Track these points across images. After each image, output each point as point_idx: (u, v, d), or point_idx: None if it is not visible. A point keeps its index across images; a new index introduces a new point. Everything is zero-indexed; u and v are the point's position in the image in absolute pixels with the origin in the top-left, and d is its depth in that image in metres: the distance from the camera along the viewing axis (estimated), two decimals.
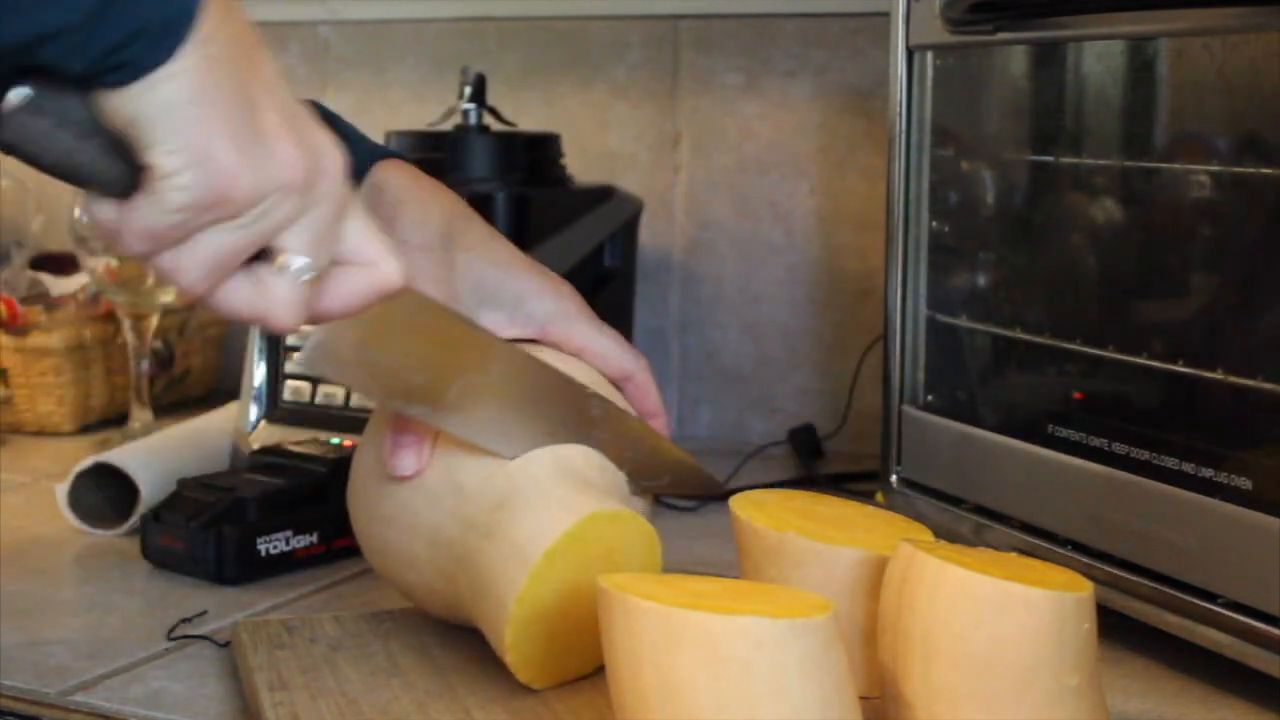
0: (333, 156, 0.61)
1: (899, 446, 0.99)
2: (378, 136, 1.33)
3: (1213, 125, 0.80)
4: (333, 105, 1.63)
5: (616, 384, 0.82)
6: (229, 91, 0.57)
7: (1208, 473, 0.77)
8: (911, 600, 0.66)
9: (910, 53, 0.97)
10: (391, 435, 0.77)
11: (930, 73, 0.97)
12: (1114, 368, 0.84)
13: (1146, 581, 0.79)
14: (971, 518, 0.92)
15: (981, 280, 0.97)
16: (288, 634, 0.81)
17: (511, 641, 0.72)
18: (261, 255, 0.60)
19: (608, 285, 1.33)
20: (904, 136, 0.97)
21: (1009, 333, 0.93)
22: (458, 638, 0.81)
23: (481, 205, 1.22)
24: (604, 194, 1.34)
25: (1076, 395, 0.88)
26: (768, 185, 1.40)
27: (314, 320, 0.64)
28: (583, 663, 0.75)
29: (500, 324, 0.80)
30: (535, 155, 1.30)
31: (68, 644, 0.85)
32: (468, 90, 1.30)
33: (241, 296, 0.60)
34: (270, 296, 0.60)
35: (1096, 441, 0.84)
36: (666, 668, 0.60)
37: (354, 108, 1.58)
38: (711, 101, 1.41)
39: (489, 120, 1.31)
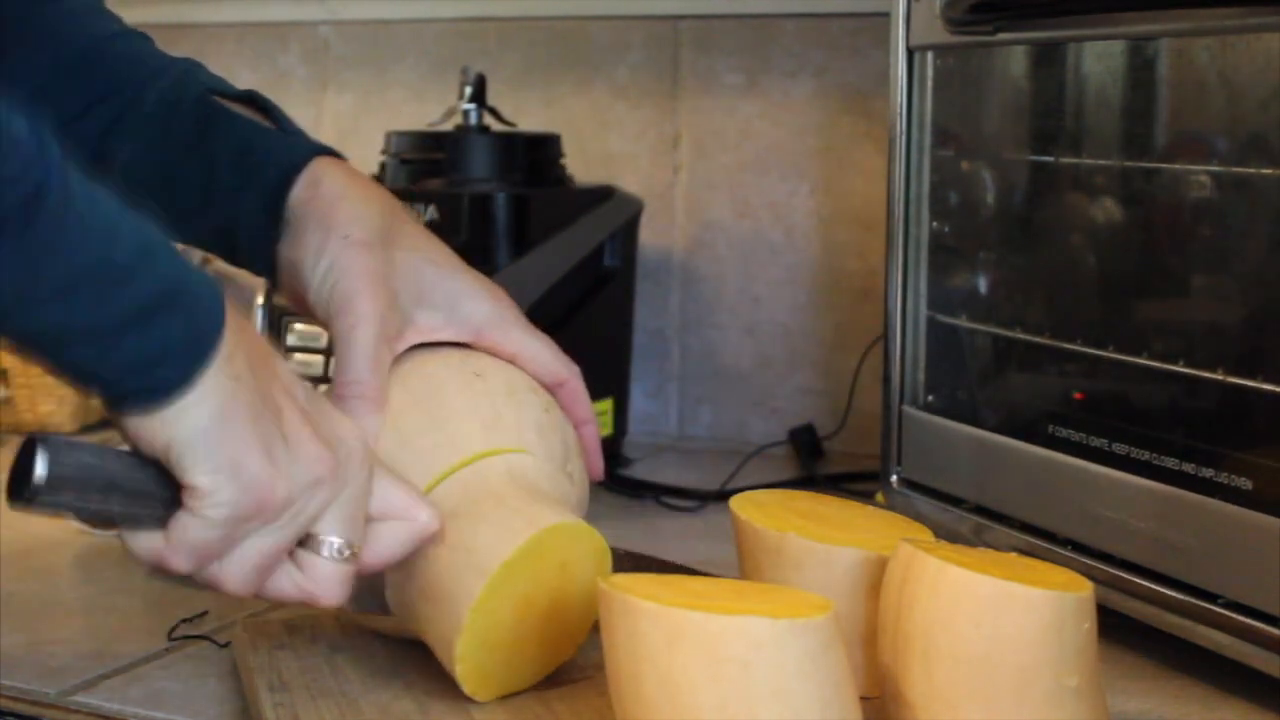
0: (354, 441, 0.65)
1: (899, 446, 0.99)
2: (378, 137, 1.33)
3: (1213, 125, 0.80)
4: (333, 105, 1.64)
5: (550, 390, 0.81)
6: (254, 406, 0.60)
7: (1208, 473, 0.77)
8: (912, 600, 0.66)
9: (910, 53, 0.97)
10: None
11: (930, 73, 0.97)
12: (1114, 368, 0.84)
13: (1146, 581, 0.79)
14: (971, 518, 0.92)
15: (982, 280, 0.97)
16: (288, 634, 0.81)
17: (462, 652, 0.70)
18: (301, 541, 0.64)
19: (608, 285, 1.33)
20: (904, 137, 0.97)
21: (1009, 333, 0.93)
22: None
23: (481, 205, 1.22)
24: (604, 194, 1.34)
25: (1076, 395, 0.88)
26: (768, 185, 1.40)
27: (359, 575, 0.67)
28: (530, 675, 0.74)
29: (436, 325, 0.78)
30: (535, 155, 1.30)
31: (68, 644, 0.85)
32: (468, 90, 1.30)
33: (289, 584, 0.64)
34: (316, 578, 0.64)
35: (1096, 441, 0.84)
36: (666, 667, 0.60)
37: (354, 108, 1.59)
38: (711, 101, 1.41)
39: (489, 120, 1.31)
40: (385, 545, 0.67)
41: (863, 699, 0.73)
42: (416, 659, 0.78)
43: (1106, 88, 0.86)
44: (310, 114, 1.61)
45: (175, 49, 1.79)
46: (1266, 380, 0.74)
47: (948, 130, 0.97)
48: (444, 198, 1.24)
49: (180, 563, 0.62)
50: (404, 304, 0.78)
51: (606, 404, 1.27)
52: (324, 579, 0.64)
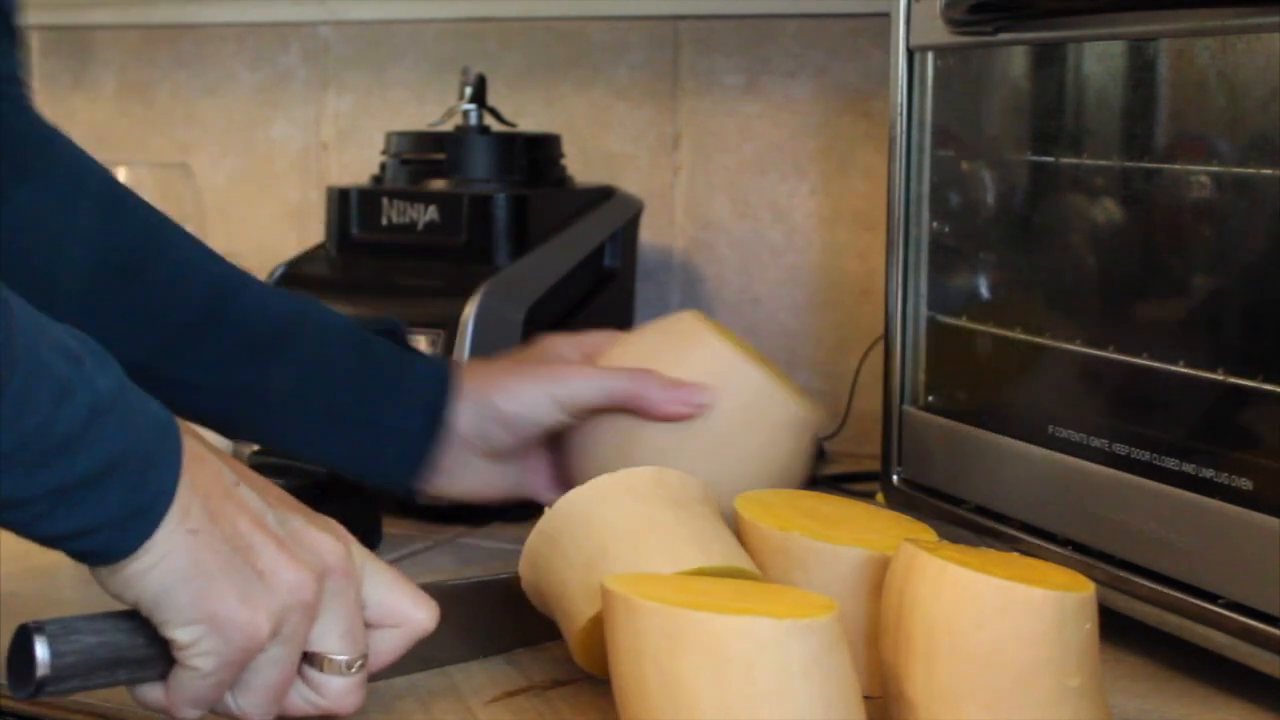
0: (332, 556, 0.63)
1: (899, 446, 0.99)
2: (378, 137, 1.33)
3: (1213, 126, 0.80)
4: (332, 105, 1.64)
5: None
6: (220, 551, 0.59)
7: (1208, 473, 0.77)
8: (913, 600, 0.66)
9: (911, 53, 0.97)
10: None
11: (931, 73, 0.97)
12: (1114, 368, 0.84)
13: (1146, 581, 0.79)
14: (971, 518, 0.92)
15: (982, 280, 0.97)
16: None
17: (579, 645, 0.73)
18: (306, 658, 0.64)
19: (608, 285, 1.33)
20: (904, 137, 0.98)
21: (1009, 333, 0.93)
22: None
23: (481, 205, 1.22)
24: (604, 194, 1.34)
25: (1076, 395, 0.88)
26: (768, 185, 1.40)
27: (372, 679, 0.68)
28: None
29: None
30: (535, 155, 1.30)
31: None
32: (468, 91, 1.30)
33: (303, 703, 0.65)
34: (329, 695, 0.64)
35: (1096, 441, 0.84)
36: (670, 668, 0.60)
37: (354, 108, 1.59)
38: (712, 102, 1.41)
39: (489, 121, 1.31)
40: (385, 650, 0.67)
41: (865, 699, 0.73)
42: (418, 658, 0.78)
43: (1107, 88, 0.86)
44: (310, 114, 1.61)
45: (175, 49, 1.80)
46: (1266, 380, 0.74)
47: (948, 130, 0.97)
48: (444, 198, 1.24)
49: (187, 713, 0.62)
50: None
51: None
52: (336, 695, 0.64)
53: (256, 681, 0.61)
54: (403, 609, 0.67)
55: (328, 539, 0.63)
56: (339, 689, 0.64)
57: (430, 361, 0.93)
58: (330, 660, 0.64)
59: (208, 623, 0.59)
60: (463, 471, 0.90)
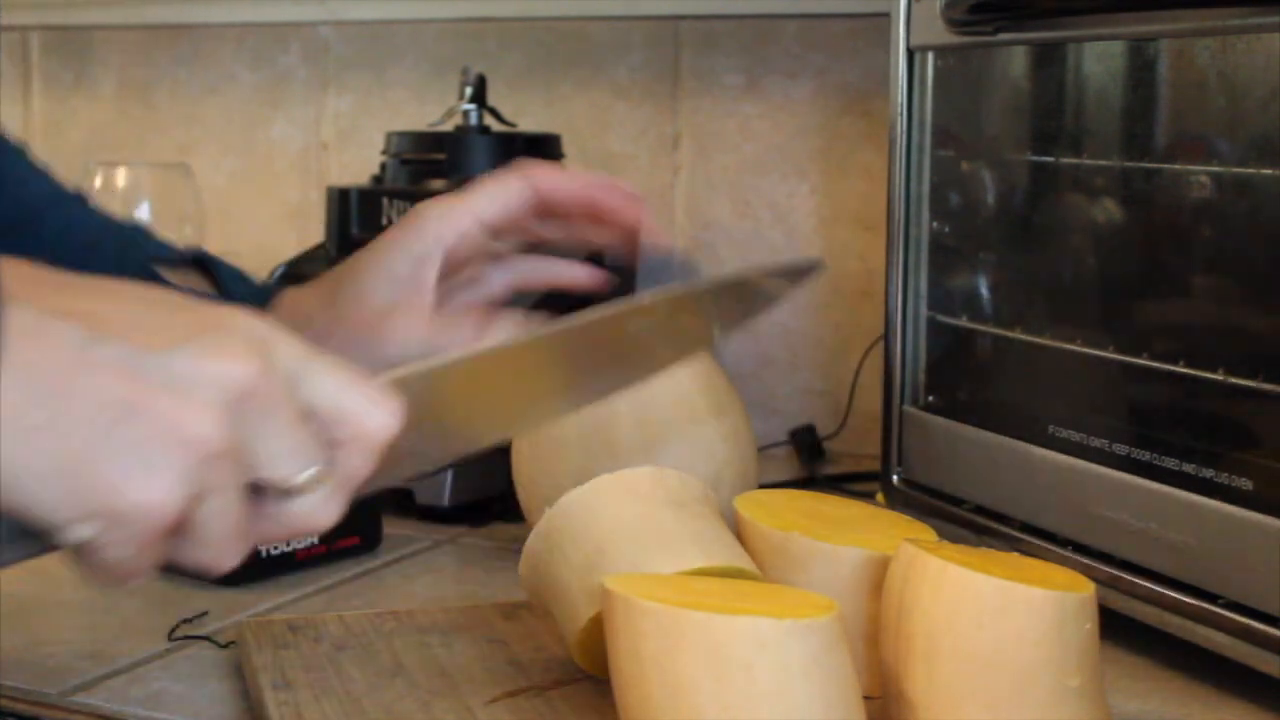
0: (237, 375, 0.52)
1: (899, 446, 0.99)
2: (378, 137, 1.33)
3: (1213, 126, 0.80)
4: (332, 105, 1.64)
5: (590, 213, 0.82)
6: (84, 434, 0.50)
7: (1208, 473, 0.77)
8: (913, 600, 0.66)
9: (911, 53, 0.97)
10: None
11: (931, 73, 0.97)
12: (1114, 368, 0.84)
13: (1146, 581, 0.79)
14: (971, 518, 0.92)
15: (982, 280, 0.97)
16: (291, 634, 0.81)
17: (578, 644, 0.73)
18: (262, 492, 0.54)
19: (608, 285, 1.33)
20: (904, 137, 0.98)
21: (1009, 333, 0.93)
22: (461, 637, 0.81)
23: None
24: None
25: (1076, 395, 0.88)
26: (768, 185, 1.40)
27: (355, 495, 0.58)
28: None
29: (430, 268, 0.79)
30: (535, 155, 1.30)
31: (68, 645, 0.85)
32: (468, 91, 1.30)
33: (278, 529, 0.56)
34: (296, 520, 0.55)
35: (1097, 441, 0.84)
36: (670, 668, 0.60)
37: (354, 108, 1.59)
38: (712, 102, 1.41)
39: (489, 121, 1.31)
40: (352, 468, 0.56)
41: (865, 699, 0.73)
42: (420, 658, 0.78)
43: (1107, 88, 0.86)
44: (310, 114, 1.61)
45: (175, 49, 1.80)
46: (1266, 380, 0.74)
47: (948, 130, 0.97)
48: None
49: (128, 583, 0.54)
50: (398, 287, 0.79)
51: None
52: (302, 518, 0.55)
53: (203, 537, 0.53)
54: (355, 412, 0.55)
55: (229, 361, 0.52)
56: (303, 511, 0.55)
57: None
58: (282, 485, 0.54)
59: (102, 518, 0.50)
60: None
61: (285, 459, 0.54)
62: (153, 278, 0.78)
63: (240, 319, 0.54)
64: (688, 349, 0.73)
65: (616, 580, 0.64)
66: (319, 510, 0.55)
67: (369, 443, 0.56)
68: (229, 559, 0.54)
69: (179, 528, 0.52)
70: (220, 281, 0.80)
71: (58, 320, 0.51)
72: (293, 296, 0.82)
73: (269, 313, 0.79)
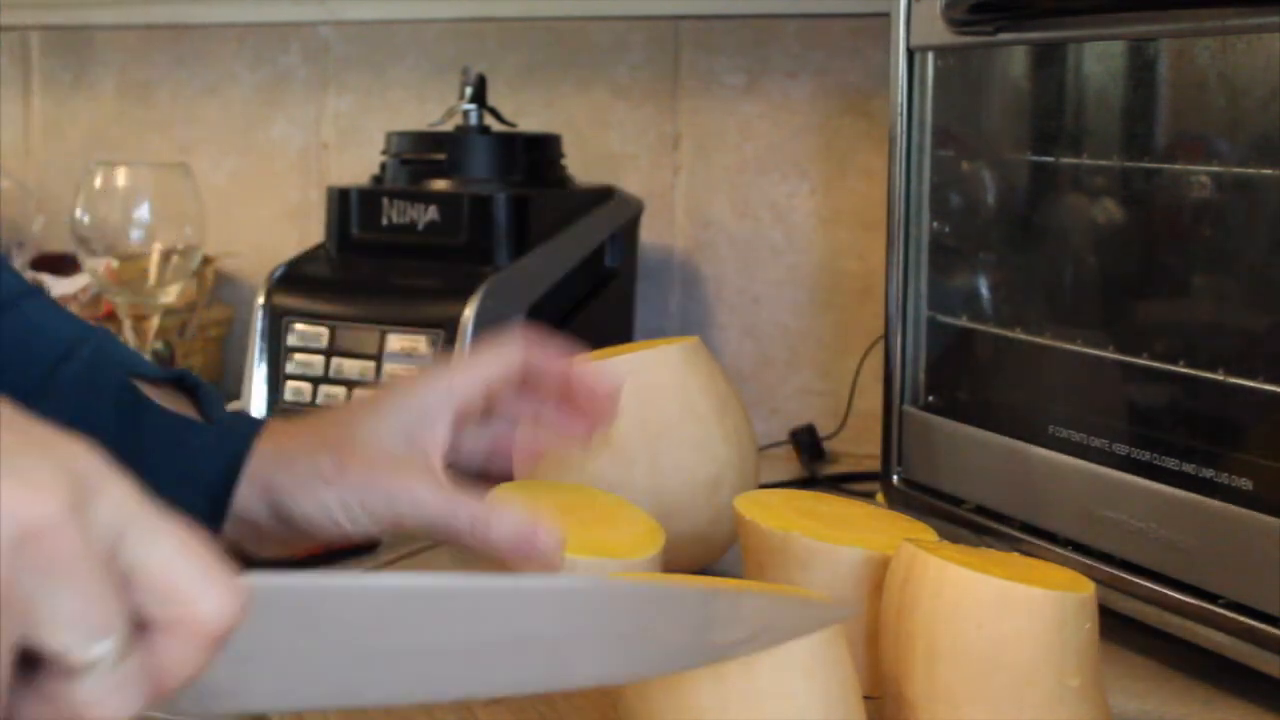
0: (30, 504, 0.41)
1: (899, 446, 0.99)
2: (378, 137, 1.33)
3: (1213, 125, 0.80)
4: (333, 105, 1.64)
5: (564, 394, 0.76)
6: None
7: (1208, 473, 0.77)
8: (913, 600, 0.66)
9: (911, 53, 0.97)
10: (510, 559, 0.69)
11: (931, 73, 0.97)
12: (1114, 368, 0.84)
13: (1146, 581, 0.79)
14: (971, 518, 0.92)
15: (982, 280, 0.97)
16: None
17: None
18: (37, 665, 0.42)
19: (608, 286, 1.33)
20: (904, 137, 0.98)
21: (1009, 333, 0.93)
22: None
23: (481, 205, 1.22)
24: (604, 194, 1.34)
25: (1076, 395, 0.88)
26: (768, 185, 1.40)
27: (160, 699, 0.44)
28: None
29: (440, 426, 0.73)
30: (535, 155, 1.30)
31: None
32: (468, 90, 1.30)
33: (46, 709, 0.42)
34: (80, 705, 0.42)
35: (1097, 441, 0.84)
36: None
37: (354, 108, 1.59)
38: (712, 101, 1.41)
39: (489, 121, 1.31)
40: (172, 659, 0.43)
41: (865, 699, 0.73)
42: None
43: (1107, 88, 0.86)
44: (310, 114, 1.61)
45: (175, 49, 1.80)
46: (1266, 380, 0.74)
47: (948, 130, 0.97)
48: (444, 198, 1.24)
49: None
50: (406, 448, 0.73)
51: None
52: (86, 706, 0.42)
53: None
54: (187, 590, 0.43)
55: (22, 491, 0.41)
56: (85, 698, 0.42)
57: (214, 433, 0.75)
58: (64, 660, 0.42)
59: None
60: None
61: (71, 626, 0.41)
62: (130, 398, 0.75)
63: (71, 449, 0.43)
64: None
65: (615, 577, 0.64)
66: (106, 700, 0.42)
67: (197, 630, 0.43)
68: None
69: None
70: (202, 405, 0.76)
71: None
72: (279, 430, 0.75)
73: (254, 442, 0.73)
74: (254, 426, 0.75)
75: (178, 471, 0.72)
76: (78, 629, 0.42)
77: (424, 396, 0.74)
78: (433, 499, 0.70)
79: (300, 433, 0.75)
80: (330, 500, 0.71)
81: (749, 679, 0.59)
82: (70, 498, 0.41)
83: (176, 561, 0.44)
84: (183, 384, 0.77)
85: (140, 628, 0.43)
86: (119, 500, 0.43)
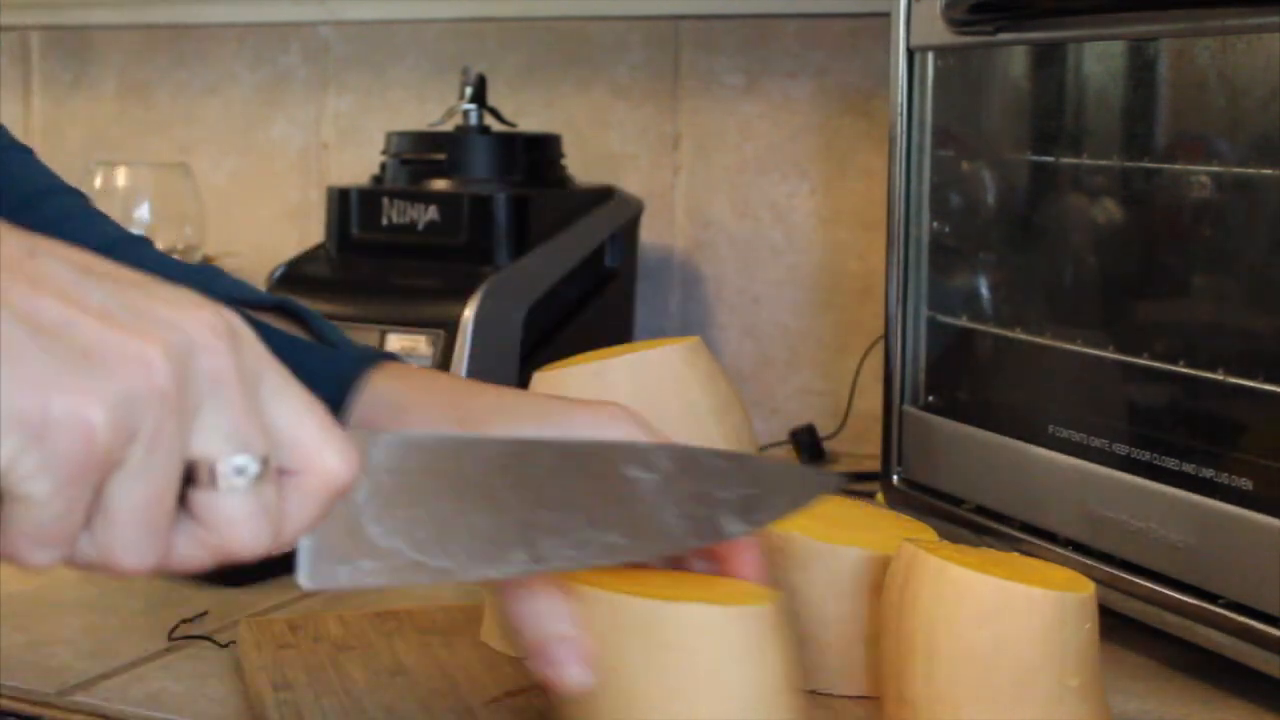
0: (198, 325, 0.46)
1: (899, 446, 0.99)
2: (378, 137, 1.33)
3: (1213, 125, 0.80)
4: (333, 105, 1.64)
5: None
6: (16, 335, 0.43)
7: (1208, 473, 0.77)
8: (913, 600, 0.66)
9: (911, 53, 0.97)
10: (532, 648, 0.63)
11: (931, 73, 0.97)
12: (1114, 368, 0.84)
13: (1146, 581, 0.79)
14: (971, 518, 0.92)
15: (982, 280, 0.97)
16: (291, 634, 0.82)
17: None
18: (191, 479, 0.46)
19: (608, 286, 1.33)
20: (904, 137, 0.98)
21: (1009, 333, 0.93)
22: (461, 637, 0.81)
23: (481, 205, 1.22)
24: (604, 194, 1.34)
25: (1076, 395, 0.88)
26: (768, 185, 1.40)
27: (280, 545, 0.49)
28: None
29: None
30: (535, 155, 1.30)
31: (68, 644, 0.85)
32: (468, 90, 1.30)
33: (193, 543, 0.47)
34: (221, 522, 0.46)
35: (1097, 441, 0.84)
36: (610, 653, 0.61)
37: (354, 108, 1.59)
38: (712, 101, 1.41)
39: (489, 120, 1.31)
40: (292, 507, 0.48)
41: (864, 698, 0.73)
42: (421, 658, 0.78)
43: (1107, 88, 0.86)
44: (310, 114, 1.61)
45: (175, 49, 1.80)
46: (1266, 380, 0.74)
47: (948, 130, 0.97)
48: (444, 198, 1.24)
49: (36, 558, 0.47)
50: None
51: None
52: (231, 520, 0.46)
53: (119, 504, 0.45)
54: (311, 445, 0.48)
55: (191, 311, 0.46)
56: (232, 512, 0.46)
57: (332, 354, 0.73)
58: (214, 467, 0.46)
59: (18, 429, 0.43)
60: None
61: (223, 435, 0.46)
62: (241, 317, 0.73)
63: (214, 305, 0.47)
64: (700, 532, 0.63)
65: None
66: (242, 522, 0.47)
67: (317, 483, 0.48)
68: (133, 554, 0.46)
69: (97, 484, 0.44)
70: (312, 329, 0.74)
71: (7, 225, 0.45)
72: (403, 374, 0.72)
73: (368, 371, 0.70)
74: (370, 355, 0.72)
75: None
76: (229, 439, 0.46)
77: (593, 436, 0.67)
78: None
79: (432, 384, 0.72)
80: None
81: (690, 664, 0.60)
82: (228, 329, 0.46)
83: (305, 415, 0.48)
84: (286, 309, 0.75)
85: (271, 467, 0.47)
86: (260, 351, 0.48)
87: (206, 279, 0.76)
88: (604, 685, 0.61)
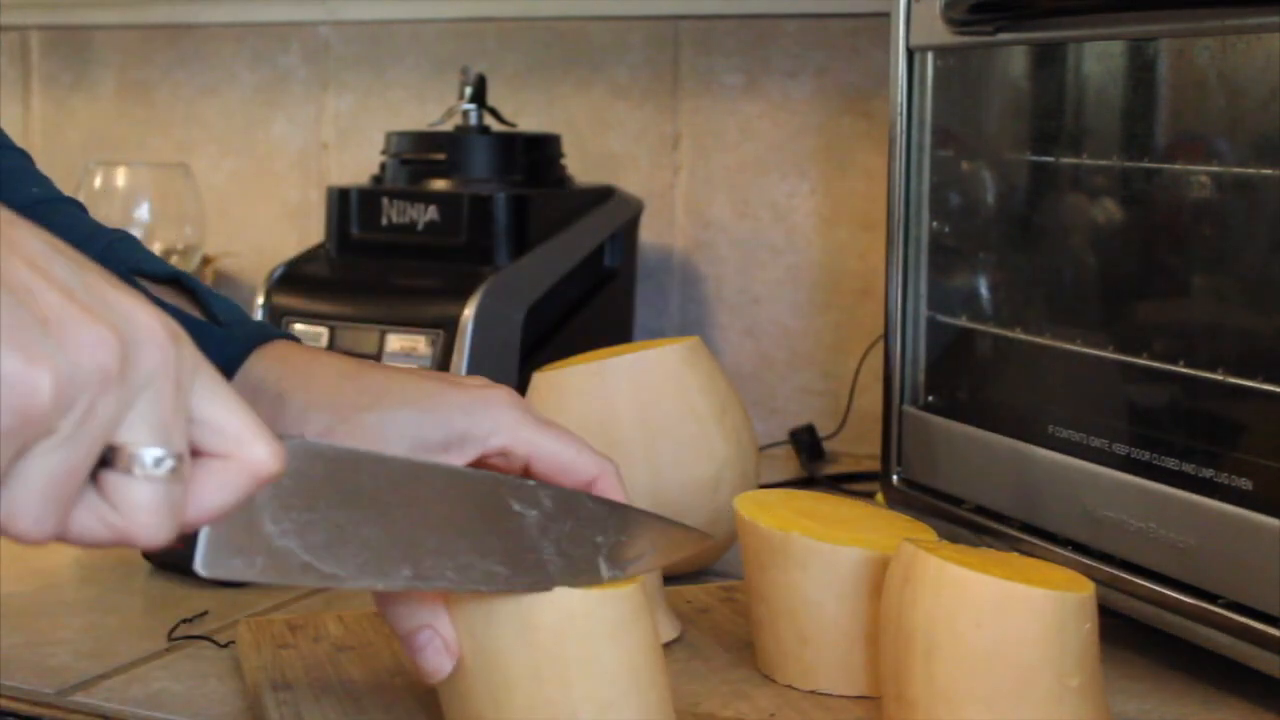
0: (149, 321, 0.48)
1: (899, 446, 0.99)
2: (378, 137, 1.33)
3: (1213, 125, 0.80)
4: (332, 105, 1.64)
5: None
6: None
7: (1208, 473, 0.77)
8: (913, 600, 0.66)
9: (911, 53, 0.97)
10: (401, 637, 0.66)
11: (931, 73, 0.97)
12: (1114, 368, 0.84)
13: (1146, 581, 0.79)
14: (971, 518, 0.92)
15: (981, 280, 0.97)
16: (291, 633, 0.82)
17: None
18: (104, 462, 0.48)
19: (608, 285, 1.33)
20: (904, 137, 0.98)
21: (1009, 333, 0.93)
22: None
23: (481, 205, 1.22)
24: (604, 194, 1.34)
25: (1076, 395, 0.88)
26: (768, 185, 1.40)
27: (184, 530, 0.50)
28: None
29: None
30: (535, 155, 1.30)
31: (68, 644, 0.85)
32: (468, 90, 1.30)
33: (94, 521, 0.48)
34: (129, 506, 0.48)
35: (1097, 441, 0.84)
36: (483, 637, 0.63)
37: (354, 108, 1.59)
38: (711, 101, 1.41)
39: (489, 120, 1.31)
40: (212, 486, 0.50)
41: (864, 698, 0.73)
42: None
43: (1107, 88, 0.86)
44: (310, 114, 1.61)
45: (175, 49, 1.80)
46: (1266, 380, 0.74)
47: (948, 130, 0.97)
48: (444, 198, 1.24)
49: None
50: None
51: None
52: (139, 507, 0.48)
53: (34, 469, 0.46)
54: (238, 435, 0.50)
55: (143, 310, 0.48)
56: (142, 499, 0.48)
57: (221, 333, 0.74)
58: (135, 455, 0.48)
59: None
60: None
61: (151, 429, 0.48)
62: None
63: (160, 310, 0.50)
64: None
65: None
66: (149, 510, 0.48)
67: (241, 470, 0.50)
68: (33, 520, 0.47)
69: (21, 446, 0.46)
70: (205, 304, 0.75)
71: None
72: (294, 352, 0.73)
73: (255, 351, 0.72)
74: (259, 335, 0.73)
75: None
76: (154, 432, 0.48)
77: (463, 424, 0.69)
78: None
79: (314, 369, 0.73)
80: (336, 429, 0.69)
81: (559, 648, 0.63)
82: (171, 329, 0.49)
83: (237, 410, 0.51)
84: (182, 283, 0.75)
85: (191, 456, 0.49)
86: (195, 351, 0.50)
87: (113, 245, 0.77)
88: (478, 667, 0.64)
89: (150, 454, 0.48)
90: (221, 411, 0.51)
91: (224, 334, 0.73)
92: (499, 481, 0.64)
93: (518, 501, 0.64)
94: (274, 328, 0.74)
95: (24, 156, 0.84)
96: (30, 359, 0.45)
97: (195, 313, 0.74)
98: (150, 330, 0.48)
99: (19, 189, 0.80)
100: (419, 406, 0.69)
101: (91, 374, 0.46)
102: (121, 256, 0.76)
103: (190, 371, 0.50)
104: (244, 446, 0.50)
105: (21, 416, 0.45)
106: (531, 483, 0.65)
